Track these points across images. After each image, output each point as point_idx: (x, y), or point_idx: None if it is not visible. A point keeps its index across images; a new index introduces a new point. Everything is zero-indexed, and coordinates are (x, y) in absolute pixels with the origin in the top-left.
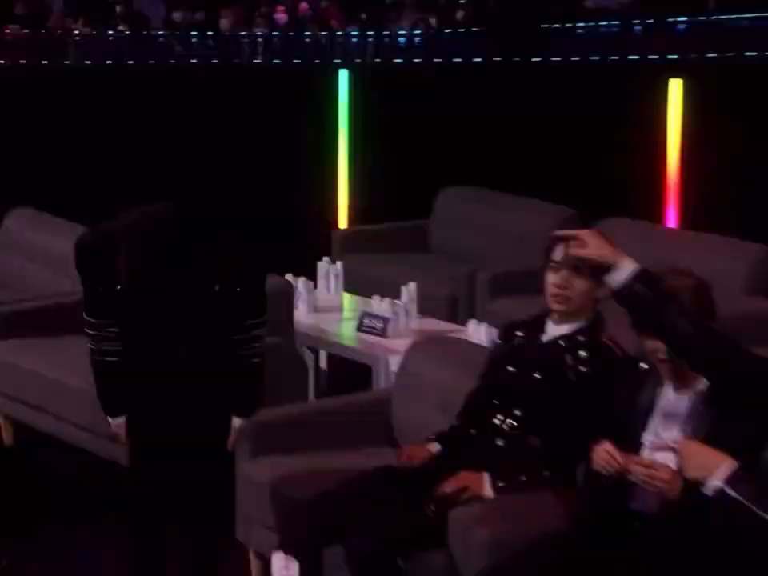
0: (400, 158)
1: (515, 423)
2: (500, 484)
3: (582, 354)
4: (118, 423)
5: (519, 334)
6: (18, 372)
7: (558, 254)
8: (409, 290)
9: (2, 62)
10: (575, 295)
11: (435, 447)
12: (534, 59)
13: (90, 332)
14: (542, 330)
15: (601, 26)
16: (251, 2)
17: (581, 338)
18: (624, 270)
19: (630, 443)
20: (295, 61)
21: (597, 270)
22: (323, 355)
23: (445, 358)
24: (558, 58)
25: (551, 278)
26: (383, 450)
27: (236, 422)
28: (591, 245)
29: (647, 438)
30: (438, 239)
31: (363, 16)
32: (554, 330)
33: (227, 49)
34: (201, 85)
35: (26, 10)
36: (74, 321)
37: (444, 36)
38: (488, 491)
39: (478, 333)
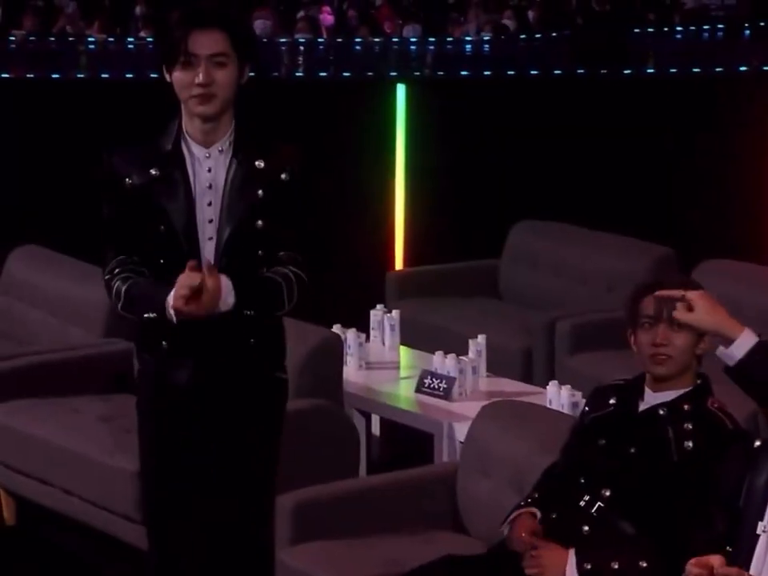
0: (466, 186)
1: (605, 506)
2: (587, 566)
3: (687, 426)
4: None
5: (611, 401)
6: (19, 439)
7: (650, 306)
8: (477, 344)
9: (6, 75)
10: (677, 353)
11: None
12: (625, 71)
13: None
14: (638, 396)
15: (703, 29)
16: (289, 1)
17: (685, 407)
18: (743, 344)
19: (743, 534)
20: (344, 74)
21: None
22: (376, 420)
23: (520, 427)
24: (652, 70)
25: (645, 337)
26: (447, 536)
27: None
28: (700, 309)
29: (763, 527)
30: (510, 282)
31: (421, 18)
32: (652, 397)
33: (264, 58)
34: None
35: (36, 21)
36: (83, 378)
37: (518, 42)
38: (572, 574)
39: (559, 397)
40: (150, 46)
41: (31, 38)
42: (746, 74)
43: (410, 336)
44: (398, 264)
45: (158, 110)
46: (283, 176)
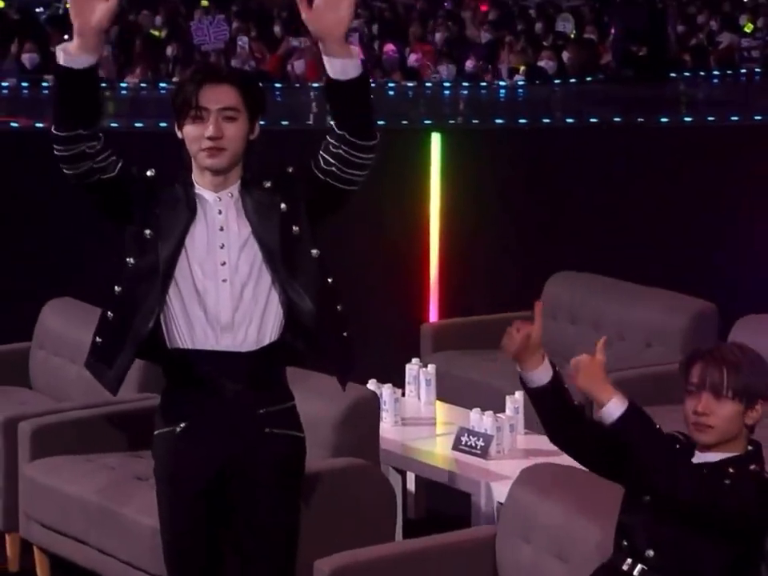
0: (502, 236)
1: (647, 568)
2: None
3: (726, 482)
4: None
5: None
6: (54, 496)
7: (696, 373)
8: (514, 401)
9: (42, 125)
10: (718, 423)
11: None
12: (663, 119)
13: None
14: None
15: (740, 73)
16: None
17: (729, 470)
18: (611, 411)
19: None
20: (379, 122)
21: (745, 393)
22: (411, 477)
23: (561, 491)
24: (690, 119)
25: (689, 403)
26: None
27: None
28: (579, 372)
29: None
30: (547, 335)
31: (454, 58)
32: (700, 457)
33: (296, 102)
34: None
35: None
36: (118, 435)
37: (553, 88)
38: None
39: None
40: None
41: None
42: None
43: (446, 390)
44: (433, 316)
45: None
46: (289, 170)
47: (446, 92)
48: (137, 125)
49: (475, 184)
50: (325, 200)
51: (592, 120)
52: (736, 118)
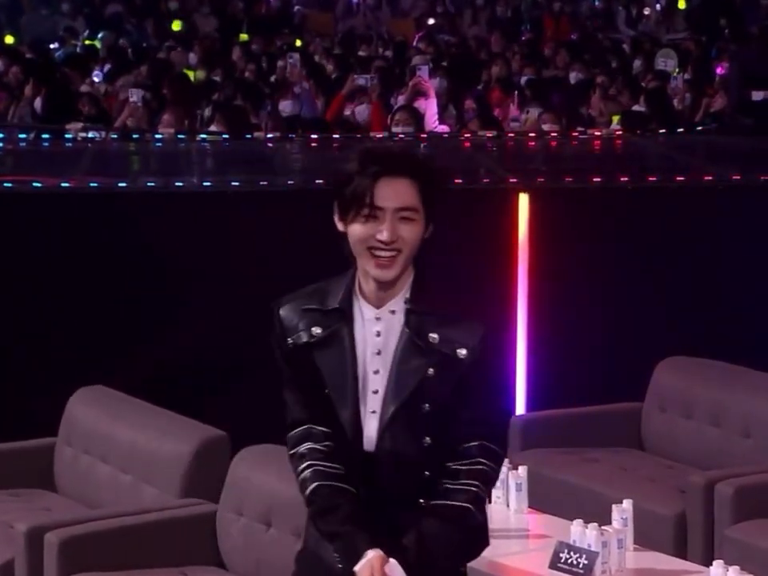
0: (601, 314)
1: None
2: None
3: None
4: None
5: None
6: None
7: None
8: (622, 511)
9: (68, 184)
10: None
11: None
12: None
13: None
14: None
15: None
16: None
17: None
18: None
19: None
20: (457, 181)
21: None
22: None
23: None
24: None
25: None
26: None
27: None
28: None
29: None
30: (656, 431)
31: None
32: None
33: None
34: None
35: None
36: (160, 546)
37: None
38: None
39: None
40: (226, 143)
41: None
42: None
43: (539, 496)
44: (520, 408)
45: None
46: (461, 352)
47: (531, 143)
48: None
49: (567, 251)
50: None
51: (707, 178)
52: None
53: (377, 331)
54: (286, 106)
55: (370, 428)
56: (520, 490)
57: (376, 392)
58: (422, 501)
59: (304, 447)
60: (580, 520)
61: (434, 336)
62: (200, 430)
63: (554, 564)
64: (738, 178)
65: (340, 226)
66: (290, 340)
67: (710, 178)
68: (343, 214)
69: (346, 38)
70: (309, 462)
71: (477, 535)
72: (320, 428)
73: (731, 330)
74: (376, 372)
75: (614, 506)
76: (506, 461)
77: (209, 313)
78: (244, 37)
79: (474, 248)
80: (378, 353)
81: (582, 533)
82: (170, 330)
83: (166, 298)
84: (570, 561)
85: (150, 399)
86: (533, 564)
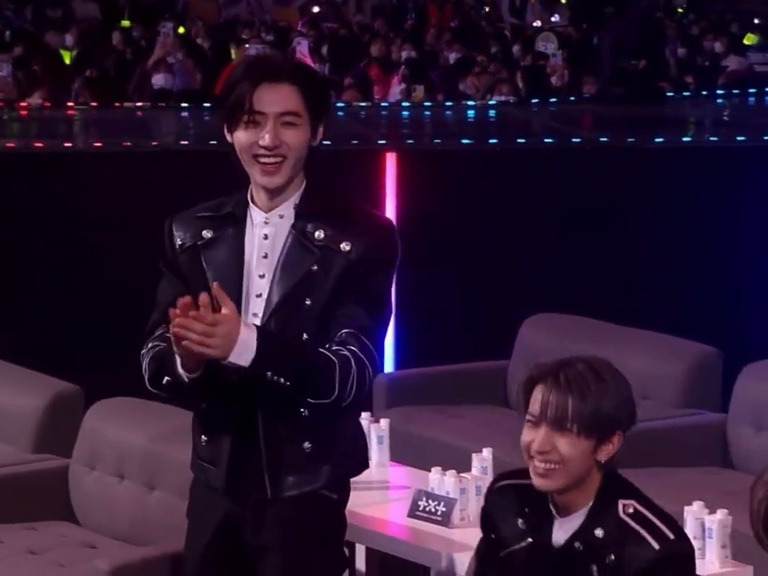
0: (467, 274)
1: None
2: None
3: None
4: None
5: (520, 523)
6: None
7: (537, 400)
8: (482, 459)
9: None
10: (565, 462)
11: None
12: (658, 139)
13: None
14: (549, 519)
15: (748, 93)
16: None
17: (596, 532)
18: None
19: None
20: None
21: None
22: (361, 550)
23: None
24: (689, 138)
25: (525, 436)
26: None
27: None
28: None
29: None
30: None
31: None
32: (562, 526)
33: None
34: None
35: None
36: (9, 503)
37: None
38: None
39: None
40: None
41: None
42: None
43: (402, 450)
44: (388, 366)
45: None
46: (344, 247)
47: (405, 113)
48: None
49: (435, 213)
50: None
51: (574, 140)
52: (743, 138)
53: (264, 234)
54: (158, 80)
55: None
56: (381, 443)
57: (260, 295)
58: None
59: (153, 338)
60: (438, 468)
61: (319, 234)
62: (53, 385)
63: (413, 512)
64: (606, 140)
65: (228, 138)
66: (178, 242)
67: (578, 140)
68: (228, 123)
69: (228, 23)
70: (151, 345)
71: (323, 383)
72: None
73: (594, 288)
74: (261, 276)
75: (473, 454)
76: (368, 414)
77: (63, 273)
78: (126, 23)
79: None
80: (265, 256)
81: (440, 480)
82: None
83: (25, 257)
84: (428, 508)
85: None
86: (393, 514)
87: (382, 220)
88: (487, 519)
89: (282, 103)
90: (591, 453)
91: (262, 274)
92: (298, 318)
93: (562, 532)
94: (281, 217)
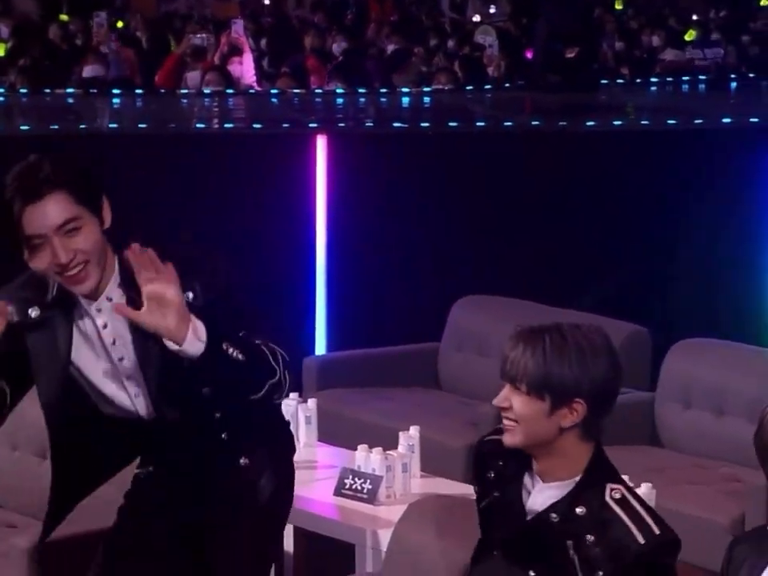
0: (399, 257)
1: None
2: None
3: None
4: None
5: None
6: None
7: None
8: (408, 437)
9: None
10: (520, 419)
11: None
12: (588, 123)
13: None
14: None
15: (682, 81)
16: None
17: (578, 510)
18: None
19: None
20: (255, 125)
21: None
22: (288, 530)
23: (452, 528)
24: (620, 122)
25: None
26: None
27: None
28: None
29: None
30: (452, 369)
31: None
32: (539, 493)
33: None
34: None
35: None
36: None
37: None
38: None
39: None
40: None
41: None
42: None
43: (329, 430)
44: (319, 348)
45: None
46: (189, 296)
47: (340, 99)
48: None
49: (368, 197)
50: None
51: (506, 124)
52: (674, 122)
53: (103, 323)
54: (89, 71)
55: (144, 410)
56: (309, 423)
57: (130, 377)
58: None
59: None
60: (365, 445)
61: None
62: None
63: (339, 490)
64: (538, 123)
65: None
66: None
67: (510, 124)
68: (18, 252)
69: (168, 16)
70: None
71: (266, 363)
72: None
73: (525, 271)
74: (121, 359)
75: (400, 432)
76: (296, 395)
77: None
78: (64, 18)
79: (273, 191)
80: (114, 342)
81: (366, 458)
82: None
83: None
84: (354, 486)
85: None
86: (319, 493)
87: (203, 253)
88: (474, 470)
89: (55, 217)
90: (546, 415)
91: (120, 357)
92: (189, 382)
93: (540, 498)
94: (110, 299)
